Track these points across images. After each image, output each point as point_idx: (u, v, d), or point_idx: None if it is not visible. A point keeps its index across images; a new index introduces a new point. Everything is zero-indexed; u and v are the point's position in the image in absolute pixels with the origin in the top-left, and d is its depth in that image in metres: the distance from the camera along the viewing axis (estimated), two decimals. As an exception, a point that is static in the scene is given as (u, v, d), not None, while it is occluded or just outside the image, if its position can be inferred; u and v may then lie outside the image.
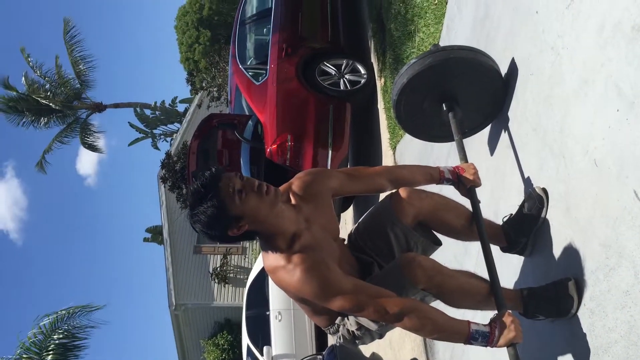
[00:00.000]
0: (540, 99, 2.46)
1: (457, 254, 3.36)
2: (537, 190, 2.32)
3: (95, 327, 9.28)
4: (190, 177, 6.61)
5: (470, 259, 3.20)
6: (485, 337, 1.93)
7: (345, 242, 2.34)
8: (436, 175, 2.35)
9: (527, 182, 2.54)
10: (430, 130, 2.94)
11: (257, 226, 1.94)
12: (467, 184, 2.36)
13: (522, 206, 2.37)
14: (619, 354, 1.83)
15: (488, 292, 2.10)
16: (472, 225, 2.33)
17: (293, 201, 2.07)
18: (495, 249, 2.39)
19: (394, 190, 2.31)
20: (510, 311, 2.02)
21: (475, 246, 3.09)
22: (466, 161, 2.48)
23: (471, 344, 1.97)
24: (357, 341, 2.22)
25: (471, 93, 2.67)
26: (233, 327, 14.69)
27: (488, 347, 1.96)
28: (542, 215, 2.30)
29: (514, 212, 2.42)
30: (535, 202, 2.31)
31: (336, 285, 1.91)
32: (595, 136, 2.03)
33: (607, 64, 1.99)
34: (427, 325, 1.95)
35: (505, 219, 2.41)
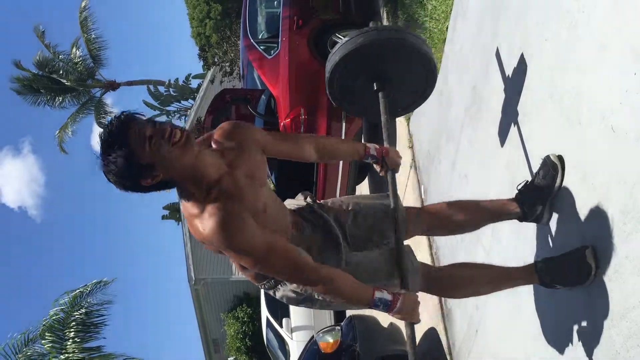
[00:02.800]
0: (556, 65, 2.42)
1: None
2: (552, 157, 2.30)
3: (112, 303, 9.42)
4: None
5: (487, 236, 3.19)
6: (387, 305, 1.96)
7: (314, 202, 2.30)
8: (361, 151, 2.33)
9: (543, 150, 2.51)
10: (364, 108, 2.88)
11: (171, 174, 1.83)
12: (390, 166, 2.35)
13: (537, 174, 2.34)
14: (637, 319, 1.83)
15: (491, 278, 2.18)
16: (477, 214, 2.39)
17: (215, 147, 1.99)
18: (511, 223, 2.39)
19: (422, 208, 2.44)
20: (417, 294, 2.09)
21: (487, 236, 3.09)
22: (394, 145, 2.48)
23: (373, 309, 2.00)
24: (301, 304, 2.17)
25: (402, 73, 2.64)
26: (252, 301, 14.86)
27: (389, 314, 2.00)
28: (557, 183, 2.27)
29: (529, 180, 2.40)
30: (549, 169, 2.28)
31: (248, 241, 1.82)
32: (612, 101, 2.00)
33: (624, 27, 1.95)
34: (340, 293, 1.96)
35: (520, 187, 2.38)
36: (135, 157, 1.73)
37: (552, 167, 2.28)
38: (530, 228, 2.60)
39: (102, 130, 1.77)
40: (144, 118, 1.80)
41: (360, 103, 2.81)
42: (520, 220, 2.41)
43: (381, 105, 2.55)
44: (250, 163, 1.99)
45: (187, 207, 1.88)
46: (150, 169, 1.78)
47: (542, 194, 2.30)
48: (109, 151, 1.73)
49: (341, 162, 5.81)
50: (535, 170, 2.41)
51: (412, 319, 2.00)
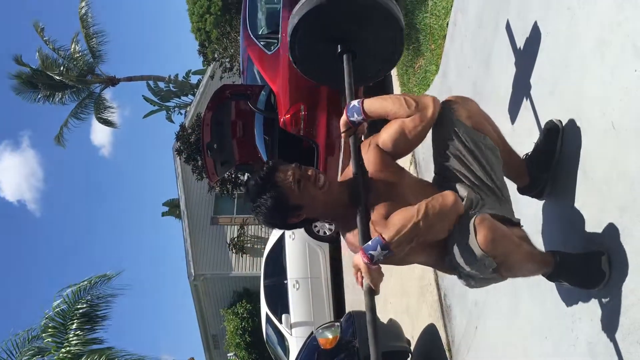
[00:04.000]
0: (557, 61, 2.42)
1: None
2: (553, 120, 2.31)
3: (115, 296, 9.43)
4: (204, 148, 6.63)
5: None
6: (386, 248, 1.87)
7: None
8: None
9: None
10: (329, 75, 2.69)
11: (314, 213, 2.05)
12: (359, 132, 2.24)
13: (538, 140, 2.34)
14: (636, 316, 1.83)
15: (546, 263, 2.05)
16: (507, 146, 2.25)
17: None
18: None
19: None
20: (380, 267, 1.93)
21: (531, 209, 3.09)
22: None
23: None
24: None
25: (367, 37, 2.50)
26: (252, 296, 14.86)
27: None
28: (558, 145, 2.27)
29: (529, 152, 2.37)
30: (550, 132, 2.29)
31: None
32: (612, 97, 2.00)
33: (625, 23, 1.95)
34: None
35: (523, 157, 2.36)
36: (285, 199, 1.96)
37: (554, 129, 2.29)
38: (531, 222, 2.60)
39: (251, 176, 1.96)
40: (290, 165, 2.01)
41: (325, 68, 2.64)
42: (523, 191, 2.38)
43: (345, 68, 2.42)
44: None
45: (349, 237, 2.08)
46: (298, 209, 2.00)
47: (547, 158, 2.29)
48: (260, 194, 1.96)
49: (342, 145, 5.77)
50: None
51: (372, 288, 1.88)
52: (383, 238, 1.83)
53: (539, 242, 2.53)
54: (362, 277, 1.89)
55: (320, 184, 1.99)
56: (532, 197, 2.38)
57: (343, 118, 2.15)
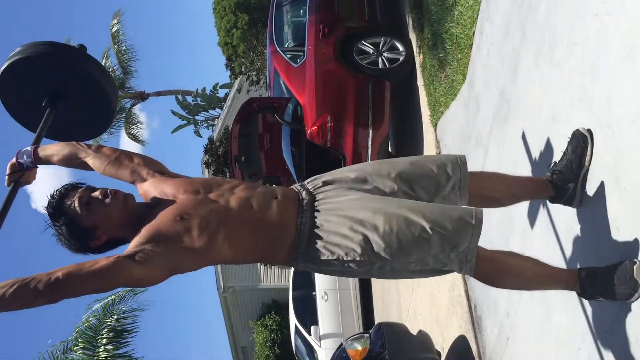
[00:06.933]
0: (586, 68, 2.40)
1: (503, 231, 3.32)
2: (581, 130, 2.25)
3: (144, 310, 9.54)
4: (233, 161, 6.69)
5: (516, 235, 3.16)
6: None
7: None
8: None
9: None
10: (31, 117, 2.62)
11: (116, 232, 2.00)
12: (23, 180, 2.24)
13: (566, 150, 2.29)
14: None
15: (537, 273, 2.07)
16: (513, 188, 2.27)
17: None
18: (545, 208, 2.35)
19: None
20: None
21: (520, 222, 3.06)
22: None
23: None
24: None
25: (79, 102, 2.56)
26: (280, 308, 14.89)
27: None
28: (587, 155, 2.22)
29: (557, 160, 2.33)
30: (579, 142, 2.23)
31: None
32: (643, 104, 1.97)
33: (655, 28, 1.92)
34: None
35: (550, 167, 2.33)
36: (75, 222, 1.95)
37: (582, 139, 2.23)
38: (560, 234, 2.57)
39: (47, 203, 2.00)
40: (82, 186, 2.02)
41: (30, 111, 2.59)
42: (552, 201, 2.34)
43: (43, 120, 2.45)
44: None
45: None
46: (92, 232, 1.97)
47: (574, 169, 2.24)
48: (54, 222, 1.97)
49: (369, 158, 5.78)
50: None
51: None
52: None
53: (568, 255, 2.50)
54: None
55: (109, 201, 1.97)
56: (564, 204, 2.35)
57: (11, 161, 2.19)
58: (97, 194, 1.98)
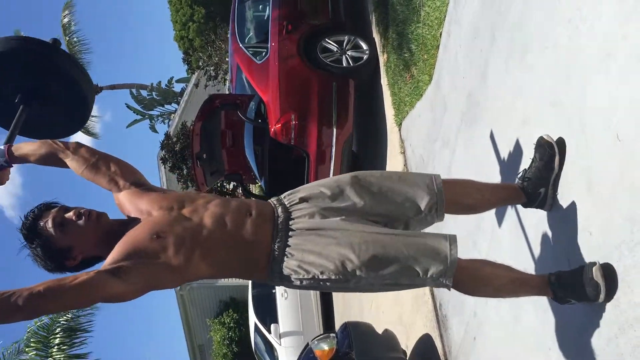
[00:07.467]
0: (558, 73, 2.43)
1: (471, 232, 3.35)
2: (544, 137, 2.29)
3: (98, 309, 9.37)
4: (194, 159, 6.57)
5: (485, 236, 3.19)
6: None
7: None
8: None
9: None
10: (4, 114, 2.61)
11: (93, 250, 2.01)
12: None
13: (534, 157, 2.34)
14: (647, 329, 1.83)
15: (510, 280, 2.11)
16: (486, 195, 2.30)
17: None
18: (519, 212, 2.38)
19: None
20: None
21: (489, 223, 3.09)
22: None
23: None
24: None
25: (54, 99, 2.55)
26: (238, 306, 14.78)
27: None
28: (555, 162, 2.26)
29: (526, 168, 2.37)
30: (545, 149, 2.28)
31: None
32: (617, 110, 2.00)
33: (631, 36, 1.95)
34: None
35: (519, 176, 2.37)
36: (50, 243, 1.95)
37: (548, 146, 2.27)
38: (531, 237, 2.60)
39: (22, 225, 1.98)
40: (56, 206, 2.01)
41: (1, 106, 2.59)
42: (525, 206, 2.39)
43: (16, 117, 2.44)
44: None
45: None
46: (68, 251, 1.97)
47: (543, 175, 2.28)
48: (29, 244, 1.97)
49: (333, 157, 5.77)
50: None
51: None
52: None
53: (542, 260, 2.53)
54: None
55: (82, 222, 1.97)
56: (536, 208, 2.38)
57: None
58: (70, 214, 1.97)
